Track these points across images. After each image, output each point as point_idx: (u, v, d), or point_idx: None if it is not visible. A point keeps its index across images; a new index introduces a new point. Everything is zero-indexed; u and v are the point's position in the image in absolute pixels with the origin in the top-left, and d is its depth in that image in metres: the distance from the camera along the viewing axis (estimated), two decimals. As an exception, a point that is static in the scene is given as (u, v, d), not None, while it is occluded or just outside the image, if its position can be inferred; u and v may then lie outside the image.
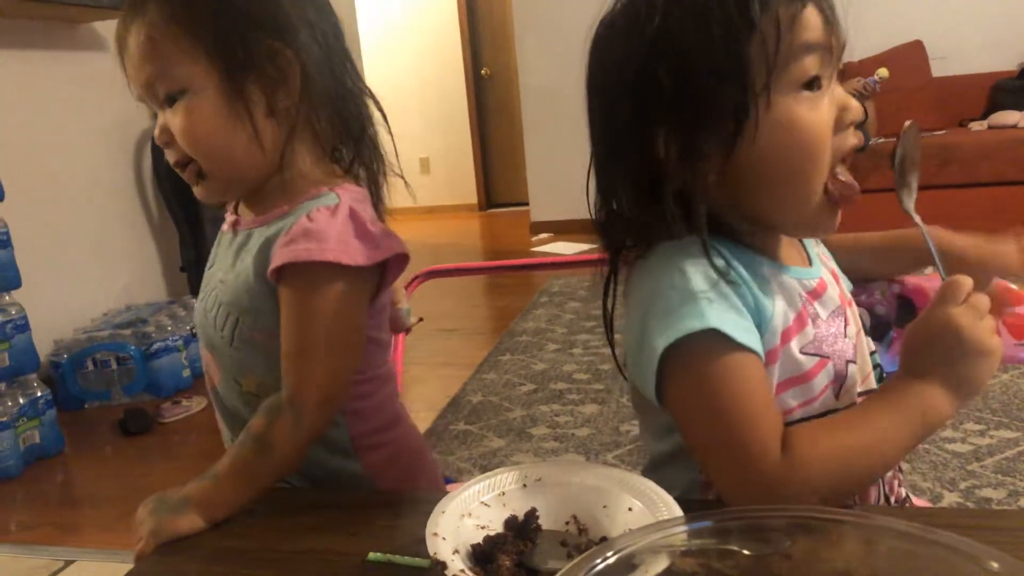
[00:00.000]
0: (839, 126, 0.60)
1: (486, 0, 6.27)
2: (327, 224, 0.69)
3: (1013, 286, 0.70)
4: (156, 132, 0.73)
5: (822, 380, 0.64)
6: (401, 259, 0.73)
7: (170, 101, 0.71)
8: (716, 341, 0.57)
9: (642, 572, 0.35)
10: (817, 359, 0.64)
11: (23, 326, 2.15)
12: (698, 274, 0.59)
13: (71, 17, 2.74)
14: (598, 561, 0.34)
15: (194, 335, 2.78)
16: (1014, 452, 1.73)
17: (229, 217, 0.81)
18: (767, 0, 0.56)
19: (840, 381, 0.65)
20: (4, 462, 2.04)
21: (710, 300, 0.58)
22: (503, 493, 0.59)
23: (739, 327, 0.58)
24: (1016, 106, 3.63)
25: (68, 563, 1.63)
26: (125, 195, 3.09)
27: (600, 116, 0.65)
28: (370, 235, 0.70)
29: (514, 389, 2.40)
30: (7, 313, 2.13)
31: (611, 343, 0.71)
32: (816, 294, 0.66)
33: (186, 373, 2.68)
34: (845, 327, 0.67)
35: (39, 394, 2.17)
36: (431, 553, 0.50)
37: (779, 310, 0.62)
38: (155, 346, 2.59)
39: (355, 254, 0.68)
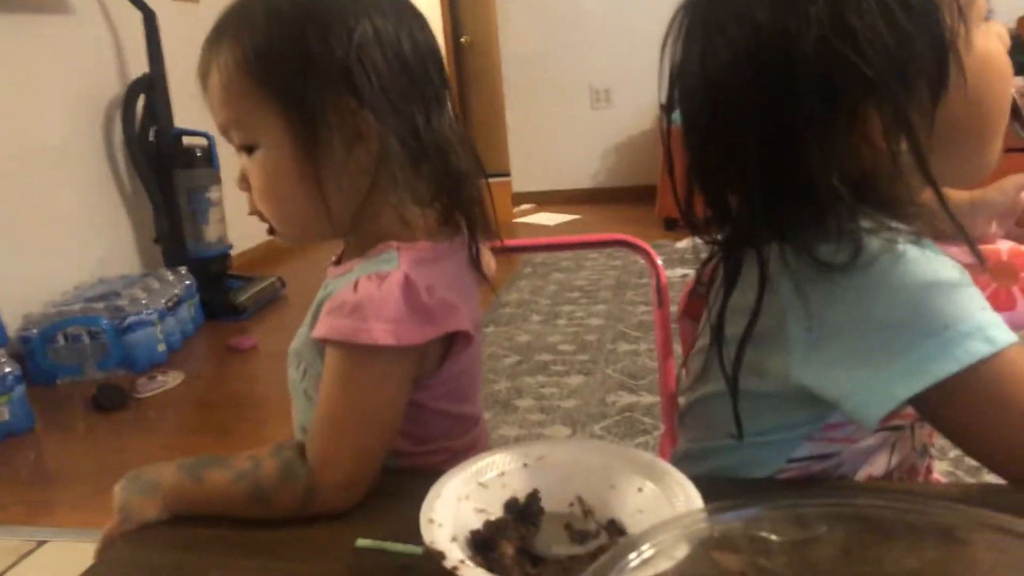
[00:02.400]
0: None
1: (466, -35, 6.14)
2: (372, 297, 0.61)
3: None
4: (237, 177, 0.70)
5: None
6: (464, 336, 0.66)
7: (247, 149, 0.69)
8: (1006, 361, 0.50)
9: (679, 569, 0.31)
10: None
11: (-11, 300, 2.08)
12: (955, 273, 0.52)
13: (33, -23, 2.62)
14: (631, 557, 0.30)
15: (169, 308, 2.71)
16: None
17: (332, 266, 0.75)
18: None
19: None
20: (-28, 440, 1.97)
21: (983, 308, 0.51)
22: (502, 473, 0.55)
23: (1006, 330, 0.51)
24: (1001, 74, 3.63)
25: (41, 543, 1.58)
26: (96, 165, 2.99)
27: (764, 114, 0.55)
28: (424, 309, 0.62)
29: (499, 361, 2.37)
30: (-28, 286, 2.05)
31: (720, 346, 0.60)
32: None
33: (161, 348, 2.61)
34: None
35: (7, 370, 2.10)
36: (427, 542, 0.45)
37: None
38: (129, 320, 2.52)
39: (402, 333, 0.61)
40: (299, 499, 0.59)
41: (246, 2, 0.69)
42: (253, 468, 0.61)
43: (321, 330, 0.62)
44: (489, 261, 0.77)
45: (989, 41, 0.57)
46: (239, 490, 0.60)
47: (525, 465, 0.56)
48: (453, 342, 0.67)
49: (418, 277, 0.63)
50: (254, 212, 0.71)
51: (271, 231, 0.72)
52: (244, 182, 0.70)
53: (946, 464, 1.54)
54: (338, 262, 0.73)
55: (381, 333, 0.60)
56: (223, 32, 0.68)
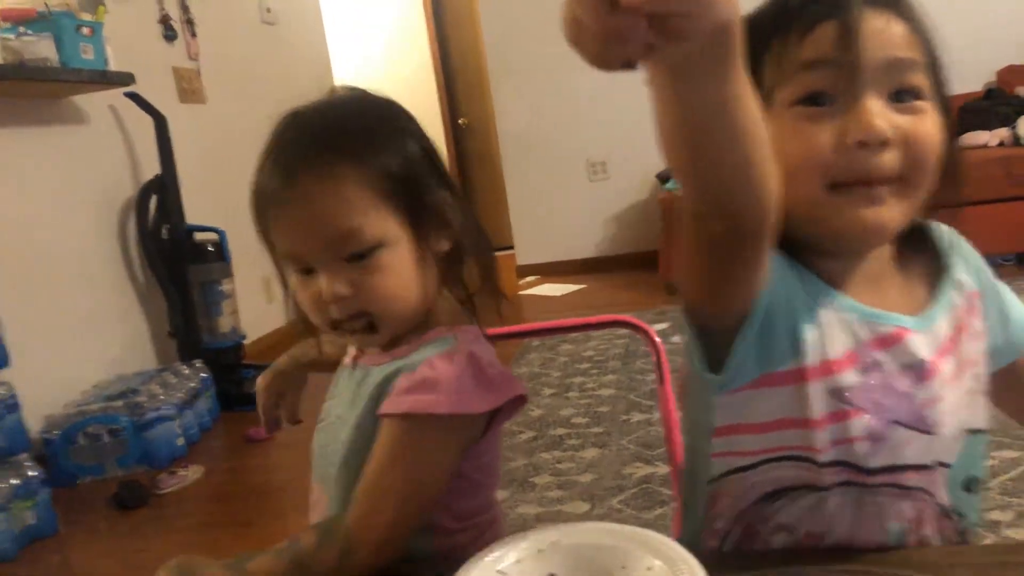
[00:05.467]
0: (841, 144, 0.60)
1: (459, 51, 6.39)
2: (447, 372, 0.69)
3: None
4: (327, 292, 0.69)
5: (842, 430, 0.62)
6: (519, 401, 0.73)
7: (355, 258, 0.70)
8: None
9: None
10: (846, 407, 0.62)
11: (13, 406, 2.13)
12: None
13: (52, 93, 2.76)
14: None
15: (187, 402, 2.75)
16: (1018, 472, 1.73)
17: (351, 351, 0.80)
18: (787, 22, 0.60)
19: (875, 440, 0.62)
20: (-2, 546, 1.99)
21: None
22: (519, 560, 0.58)
23: None
24: (984, 126, 3.72)
25: (67, 649, 1.58)
26: (111, 265, 3.08)
27: None
28: (488, 380, 0.70)
29: (514, 438, 2.38)
30: (-3, 394, 2.10)
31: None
32: (884, 342, 0.63)
33: (180, 442, 2.64)
34: (919, 386, 0.63)
35: (32, 474, 2.13)
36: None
37: (819, 337, 0.62)
38: (148, 416, 2.55)
39: (471, 402, 0.68)
40: (339, 560, 0.65)
41: (335, 112, 0.74)
42: (292, 543, 0.67)
43: (401, 406, 0.68)
44: None
45: (793, 122, 0.61)
46: (281, 564, 0.65)
47: (540, 551, 0.59)
48: (500, 411, 0.73)
49: (480, 353, 0.71)
50: (350, 318, 0.71)
51: (364, 332, 0.72)
52: (349, 289, 0.69)
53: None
54: (357, 357, 0.79)
55: (457, 404, 0.68)
56: (325, 146, 0.70)
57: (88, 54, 2.70)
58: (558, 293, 4.57)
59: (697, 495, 0.72)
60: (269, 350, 3.64)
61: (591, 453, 2.19)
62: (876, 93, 0.60)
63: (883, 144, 0.59)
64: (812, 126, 0.60)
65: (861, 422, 0.62)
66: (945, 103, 0.64)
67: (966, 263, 0.71)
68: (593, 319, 1.04)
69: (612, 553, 0.58)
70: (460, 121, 6.49)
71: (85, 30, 2.69)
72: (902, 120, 0.60)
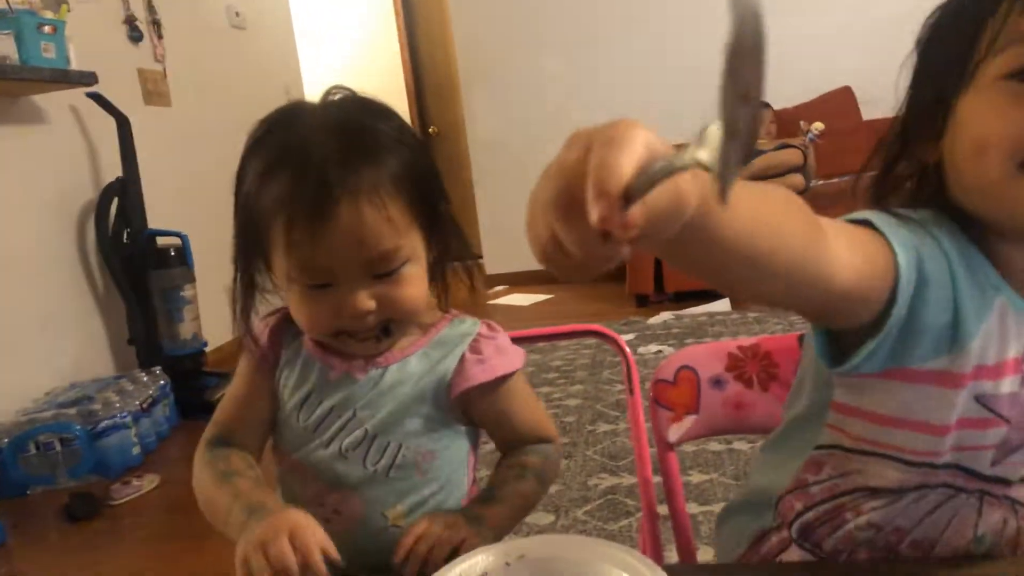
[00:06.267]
0: None
1: (430, 58, 6.38)
2: (500, 336, 0.82)
3: None
4: (358, 308, 0.69)
5: (974, 438, 0.59)
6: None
7: (383, 275, 0.71)
8: None
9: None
10: (990, 416, 0.58)
11: (-40, 412, 2.05)
12: None
13: (11, 91, 2.69)
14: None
15: (144, 410, 2.68)
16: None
17: (337, 363, 0.78)
18: None
19: (1006, 452, 0.60)
20: (-60, 559, 1.91)
21: None
22: (486, 573, 0.57)
23: None
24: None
25: (12, 667, 1.52)
26: (68, 269, 3.00)
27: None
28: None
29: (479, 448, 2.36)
30: (-58, 399, 2.02)
31: None
32: None
33: (136, 451, 2.58)
34: None
35: (-22, 483, 2.06)
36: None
37: (983, 340, 0.57)
38: (102, 424, 2.48)
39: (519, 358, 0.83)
40: (558, 463, 0.86)
41: (353, 120, 0.71)
42: (520, 468, 0.81)
43: (494, 371, 0.78)
44: None
45: (998, 96, 0.57)
46: (524, 489, 0.79)
47: (507, 564, 0.58)
48: None
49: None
50: (377, 326, 0.73)
51: (379, 339, 0.74)
52: (375, 303, 0.70)
53: None
54: (362, 366, 0.79)
55: (517, 358, 0.82)
56: (363, 161, 0.68)
57: (49, 52, 2.64)
58: (526, 303, 4.57)
59: (796, 453, 0.69)
60: (231, 357, 3.57)
61: (557, 464, 2.18)
62: None
63: None
64: (1018, 103, 0.55)
65: (999, 432, 0.59)
66: None
67: None
68: (563, 328, 1.03)
69: (579, 566, 0.57)
70: (430, 129, 6.48)
71: (47, 28, 2.63)
72: None
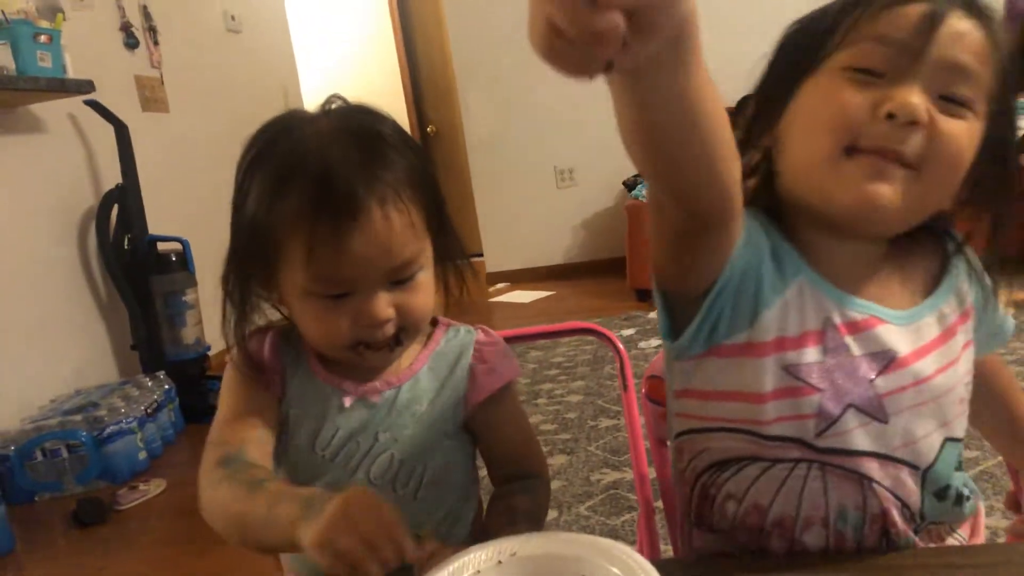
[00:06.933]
0: (873, 111, 0.61)
1: (427, 59, 6.38)
2: (499, 341, 0.83)
3: None
4: (382, 315, 0.69)
5: (793, 407, 0.64)
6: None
7: (399, 282, 0.70)
8: None
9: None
10: (800, 384, 0.64)
11: (-34, 422, 2.07)
12: None
13: (8, 102, 2.70)
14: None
15: (149, 415, 2.70)
16: (976, 471, 1.76)
17: (351, 387, 0.76)
18: None
19: (826, 420, 0.64)
20: (-50, 567, 1.93)
21: None
22: (478, 572, 0.58)
23: None
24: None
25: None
26: (71, 275, 3.01)
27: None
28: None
29: (482, 446, 2.37)
30: (-52, 409, 2.04)
31: None
32: (855, 328, 0.65)
33: (142, 455, 2.59)
34: (883, 375, 0.64)
35: (-15, 491, 2.08)
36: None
37: (780, 312, 0.64)
38: (108, 430, 2.50)
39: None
40: (548, 496, 0.83)
41: (367, 128, 0.69)
42: (510, 513, 0.77)
43: (503, 378, 0.80)
44: None
45: (838, 85, 0.63)
46: (520, 528, 0.72)
47: (499, 563, 0.59)
48: None
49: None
50: (394, 333, 0.71)
51: (391, 348, 0.72)
52: (393, 310, 0.69)
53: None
54: (374, 389, 0.77)
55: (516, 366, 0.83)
56: (384, 167, 0.67)
57: (46, 62, 2.65)
58: (527, 300, 4.57)
59: (673, 449, 0.76)
60: (235, 361, 3.58)
61: (559, 460, 2.19)
62: (926, 87, 0.60)
63: (911, 124, 0.59)
64: (853, 89, 0.61)
65: (813, 400, 0.64)
66: (1004, 122, 0.65)
67: (970, 275, 0.72)
68: (558, 327, 1.04)
69: (572, 564, 0.58)
70: (428, 129, 6.48)
71: (43, 38, 2.64)
72: (940, 118, 0.60)
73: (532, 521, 0.76)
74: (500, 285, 5.03)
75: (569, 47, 0.35)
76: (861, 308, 0.66)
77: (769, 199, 0.69)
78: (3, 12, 2.55)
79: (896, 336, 0.66)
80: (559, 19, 0.34)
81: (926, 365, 0.66)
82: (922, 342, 0.67)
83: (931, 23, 0.60)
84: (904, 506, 0.67)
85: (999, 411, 0.81)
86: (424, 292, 0.72)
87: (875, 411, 0.65)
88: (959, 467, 0.70)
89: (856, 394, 0.64)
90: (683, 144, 0.51)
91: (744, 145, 0.68)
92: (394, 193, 0.66)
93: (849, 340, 0.65)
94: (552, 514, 1.88)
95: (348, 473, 0.75)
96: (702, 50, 0.45)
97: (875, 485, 0.66)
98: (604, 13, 0.33)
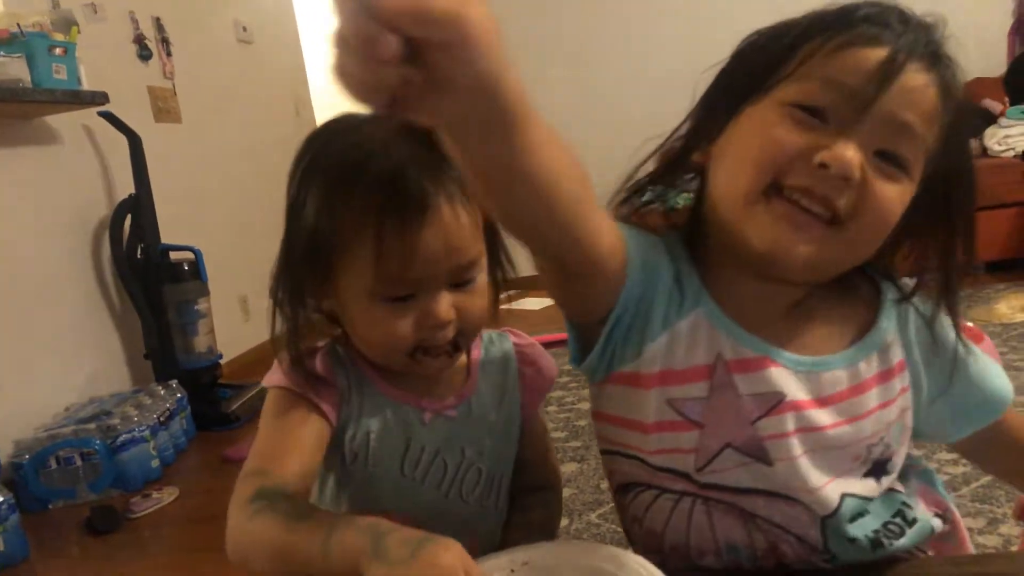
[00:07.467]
0: (806, 156, 0.58)
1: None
2: (534, 341, 0.84)
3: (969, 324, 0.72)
4: (445, 316, 0.67)
5: (673, 440, 0.64)
6: None
7: (460, 284, 0.69)
8: None
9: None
10: (680, 419, 0.63)
11: (-18, 431, 2.08)
12: None
13: (24, 113, 2.73)
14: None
15: (162, 423, 2.72)
16: (988, 479, 1.75)
17: (427, 404, 0.75)
18: (842, 27, 0.59)
19: (705, 457, 0.64)
20: (-34, 575, 1.95)
21: None
22: (491, 582, 0.58)
23: None
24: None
25: None
26: (84, 286, 3.04)
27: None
28: None
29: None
30: (-35, 418, 2.06)
31: None
32: (744, 366, 0.63)
33: (155, 463, 2.61)
34: (767, 418, 0.62)
35: (0, 499, 2.09)
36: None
37: (666, 346, 0.63)
38: (121, 438, 2.52)
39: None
40: (560, 504, 0.86)
41: (404, 131, 0.65)
42: (527, 528, 0.78)
43: (547, 381, 0.81)
44: None
45: (772, 119, 0.60)
46: (533, 537, 0.71)
47: (512, 572, 0.59)
48: None
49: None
50: (452, 338, 0.70)
51: (448, 355, 0.71)
52: (454, 313, 0.68)
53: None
54: (446, 406, 0.77)
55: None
56: (446, 164, 0.64)
57: (61, 74, 2.68)
58: (537, 307, 4.57)
59: None
60: (246, 369, 3.61)
61: (570, 467, 2.19)
62: (865, 141, 0.58)
63: (842, 179, 0.57)
64: (791, 128, 0.58)
65: (692, 436, 0.63)
66: (945, 184, 0.62)
67: (904, 331, 0.67)
68: (556, 337, 1.06)
69: (583, 572, 0.59)
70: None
71: (58, 50, 2.67)
72: (872, 178, 0.58)
73: (546, 534, 0.79)
74: (510, 292, 5.02)
75: (353, 64, 0.34)
76: (756, 347, 0.63)
77: (695, 220, 0.67)
78: (19, 25, 2.58)
79: (790, 381, 0.63)
80: (343, 28, 0.34)
81: (822, 416, 0.63)
82: (824, 392, 0.63)
83: (886, 74, 0.57)
84: (800, 540, 0.65)
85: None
86: (482, 296, 0.70)
87: (756, 452, 0.63)
88: (865, 524, 0.66)
89: (735, 434, 0.63)
90: (519, 202, 0.48)
91: (680, 156, 0.67)
92: (460, 191, 0.65)
93: (737, 379, 0.62)
94: (563, 521, 1.88)
95: (442, 495, 0.74)
96: (543, 128, 0.43)
97: (759, 521, 0.65)
98: (382, 32, 0.33)
